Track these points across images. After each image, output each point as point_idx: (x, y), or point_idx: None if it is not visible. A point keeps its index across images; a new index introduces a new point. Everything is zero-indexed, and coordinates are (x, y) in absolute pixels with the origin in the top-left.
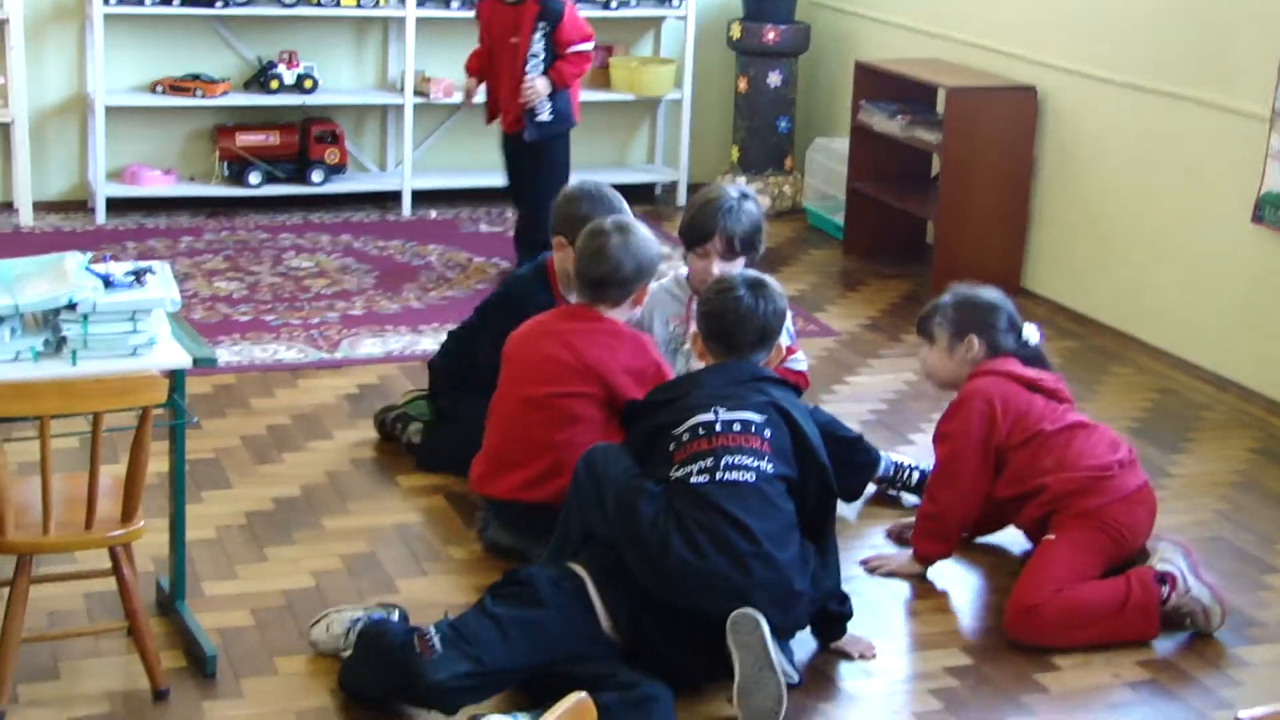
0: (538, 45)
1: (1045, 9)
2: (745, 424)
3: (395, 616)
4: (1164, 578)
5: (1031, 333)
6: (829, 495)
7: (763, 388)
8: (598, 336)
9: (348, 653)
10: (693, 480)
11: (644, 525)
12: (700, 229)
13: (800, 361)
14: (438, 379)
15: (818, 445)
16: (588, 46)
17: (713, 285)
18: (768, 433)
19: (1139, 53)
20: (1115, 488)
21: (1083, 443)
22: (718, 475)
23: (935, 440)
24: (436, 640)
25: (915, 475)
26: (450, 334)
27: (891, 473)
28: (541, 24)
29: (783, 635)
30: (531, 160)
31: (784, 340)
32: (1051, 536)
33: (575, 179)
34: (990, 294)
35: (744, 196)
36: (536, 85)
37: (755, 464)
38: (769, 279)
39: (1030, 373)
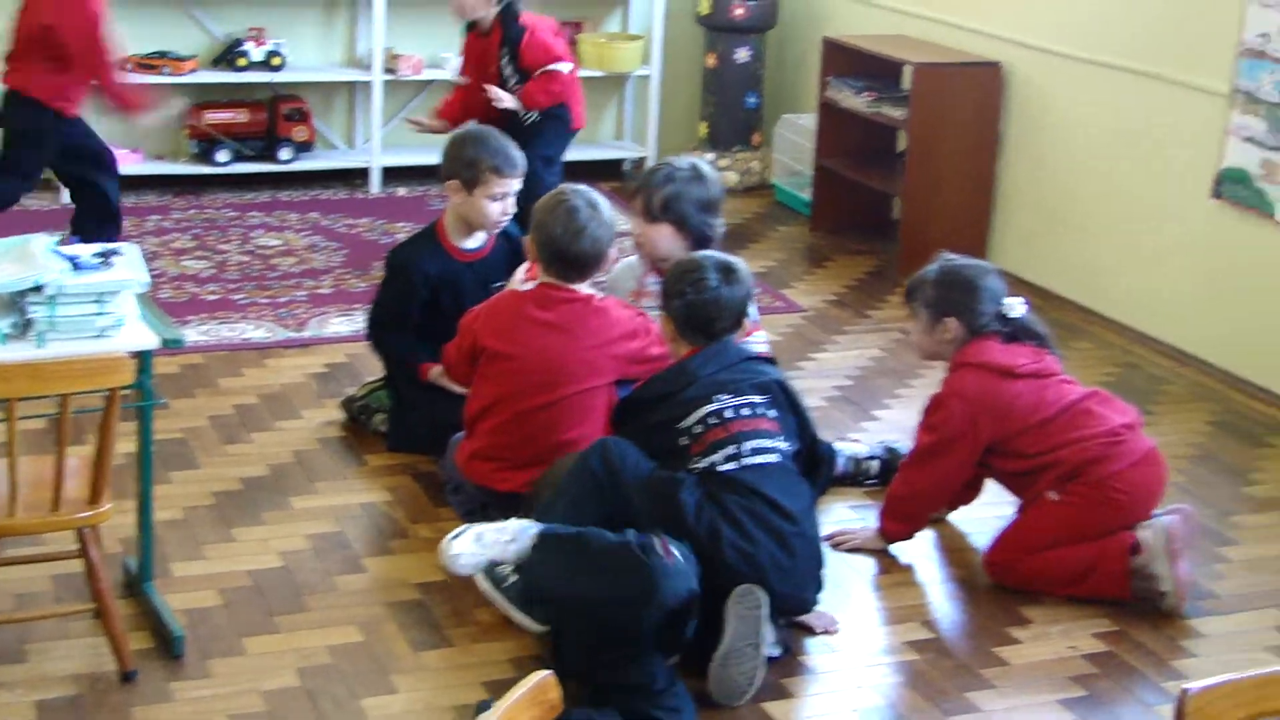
0: (507, 70)
1: None
2: (752, 406)
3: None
4: (1138, 546)
5: (1014, 306)
6: (823, 462)
7: (754, 368)
8: (589, 320)
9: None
10: (721, 468)
11: (689, 516)
12: (633, 189)
13: (762, 343)
14: (389, 370)
15: (809, 416)
16: (559, 67)
17: (683, 276)
18: (773, 412)
19: (1102, 30)
20: (1126, 452)
21: (1087, 415)
22: (744, 460)
23: (920, 428)
24: (673, 544)
25: (875, 466)
26: (371, 323)
27: (853, 469)
28: (505, 49)
29: (799, 613)
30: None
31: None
32: (1054, 497)
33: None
34: (972, 272)
35: (695, 170)
36: (500, 94)
37: (774, 445)
38: (736, 261)
39: (1007, 358)
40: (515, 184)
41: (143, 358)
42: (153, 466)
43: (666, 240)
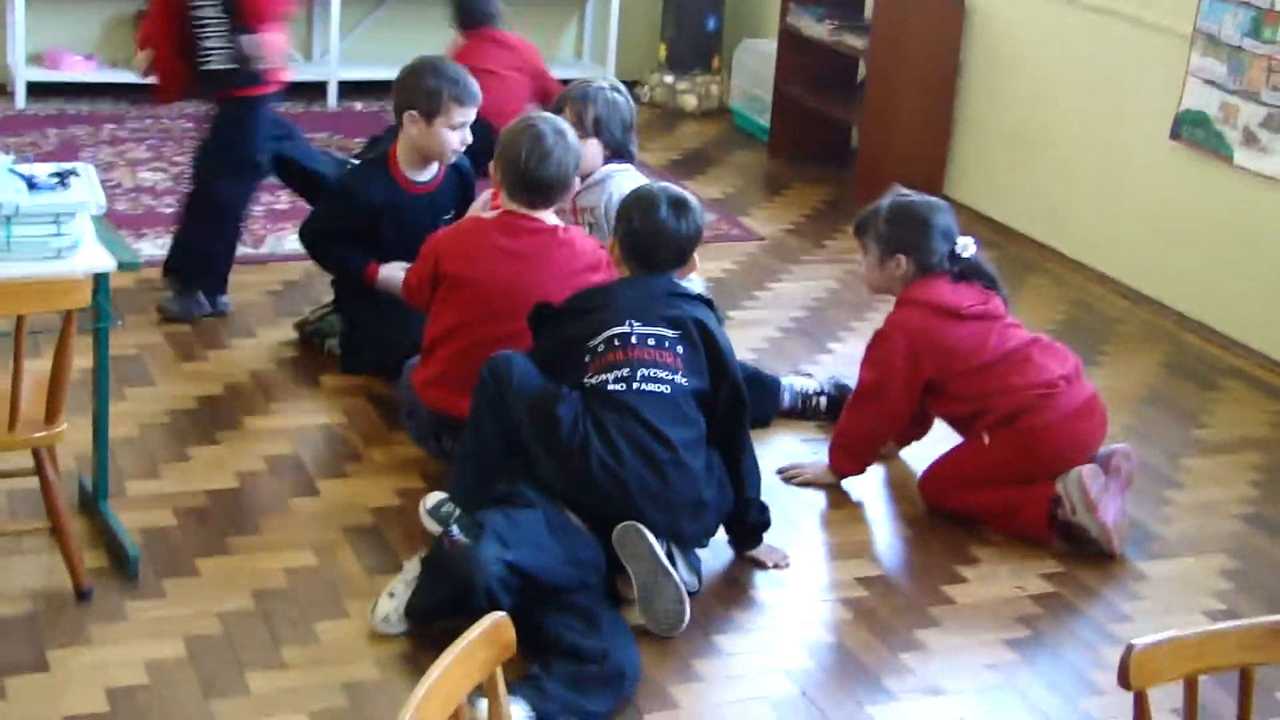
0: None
1: None
2: (659, 339)
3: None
4: (1058, 499)
5: (966, 246)
6: (741, 406)
7: (675, 303)
8: (553, 251)
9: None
10: (610, 388)
11: (564, 429)
12: (557, 105)
13: (695, 285)
14: (337, 292)
15: (730, 356)
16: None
17: (636, 204)
18: (680, 349)
19: None
20: (1061, 404)
21: (1025, 363)
22: (634, 385)
23: (863, 364)
24: (456, 530)
25: (823, 401)
26: (308, 231)
27: (800, 405)
28: None
29: (691, 544)
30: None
31: None
32: (986, 439)
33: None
34: (925, 209)
35: (615, 90)
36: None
37: (670, 377)
38: (690, 198)
39: (954, 299)
40: (473, 113)
41: (99, 279)
42: (109, 387)
43: (594, 154)
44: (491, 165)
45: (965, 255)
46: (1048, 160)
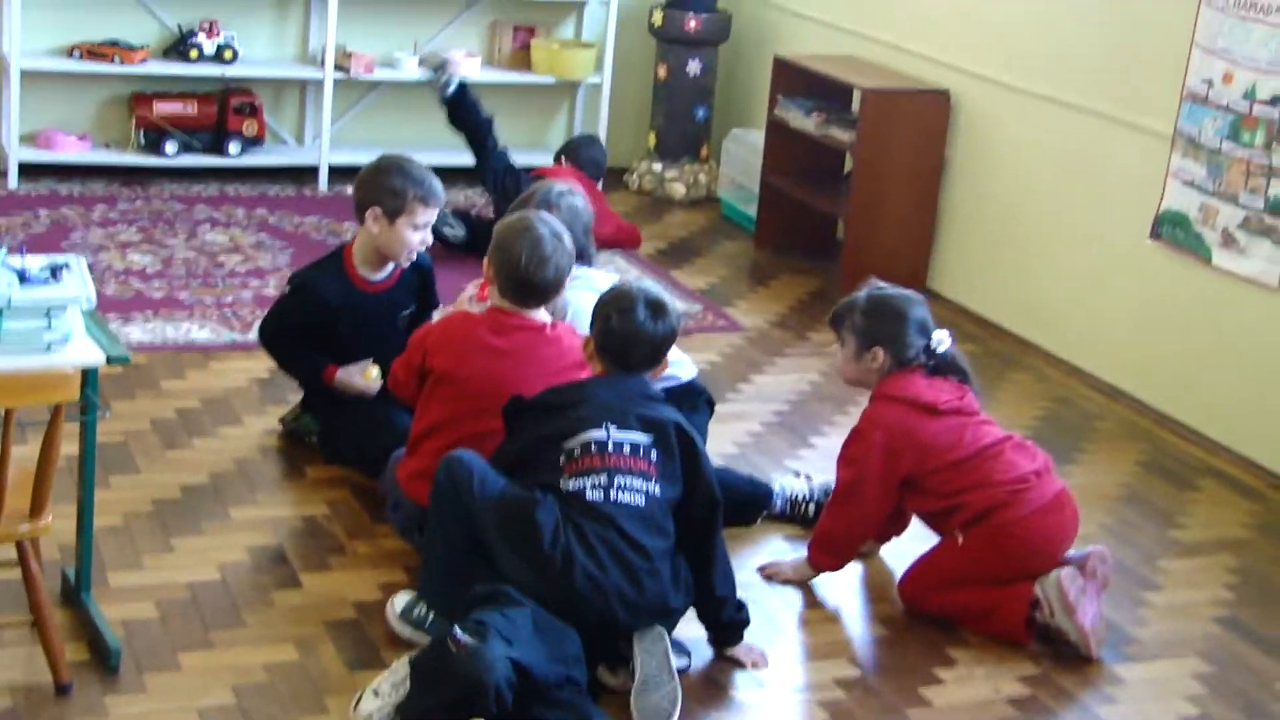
0: None
1: (962, 15)
2: (634, 446)
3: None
4: (1036, 602)
5: (942, 339)
6: (714, 507)
7: (651, 406)
8: (541, 349)
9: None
10: (589, 496)
11: (545, 537)
12: (521, 204)
13: (686, 367)
14: (305, 393)
15: (704, 459)
16: None
17: (613, 303)
18: (654, 454)
19: (1051, 65)
20: (1032, 499)
21: (998, 459)
22: (612, 494)
23: (839, 462)
24: (460, 631)
25: (812, 509)
26: (265, 330)
27: (789, 510)
28: None
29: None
30: None
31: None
32: (960, 539)
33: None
34: (902, 302)
35: (573, 193)
36: None
37: (645, 487)
38: (667, 299)
39: (930, 394)
40: (435, 214)
41: (88, 372)
42: (95, 477)
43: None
44: (486, 260)
45: (940, 349)
46: (1030, 256)
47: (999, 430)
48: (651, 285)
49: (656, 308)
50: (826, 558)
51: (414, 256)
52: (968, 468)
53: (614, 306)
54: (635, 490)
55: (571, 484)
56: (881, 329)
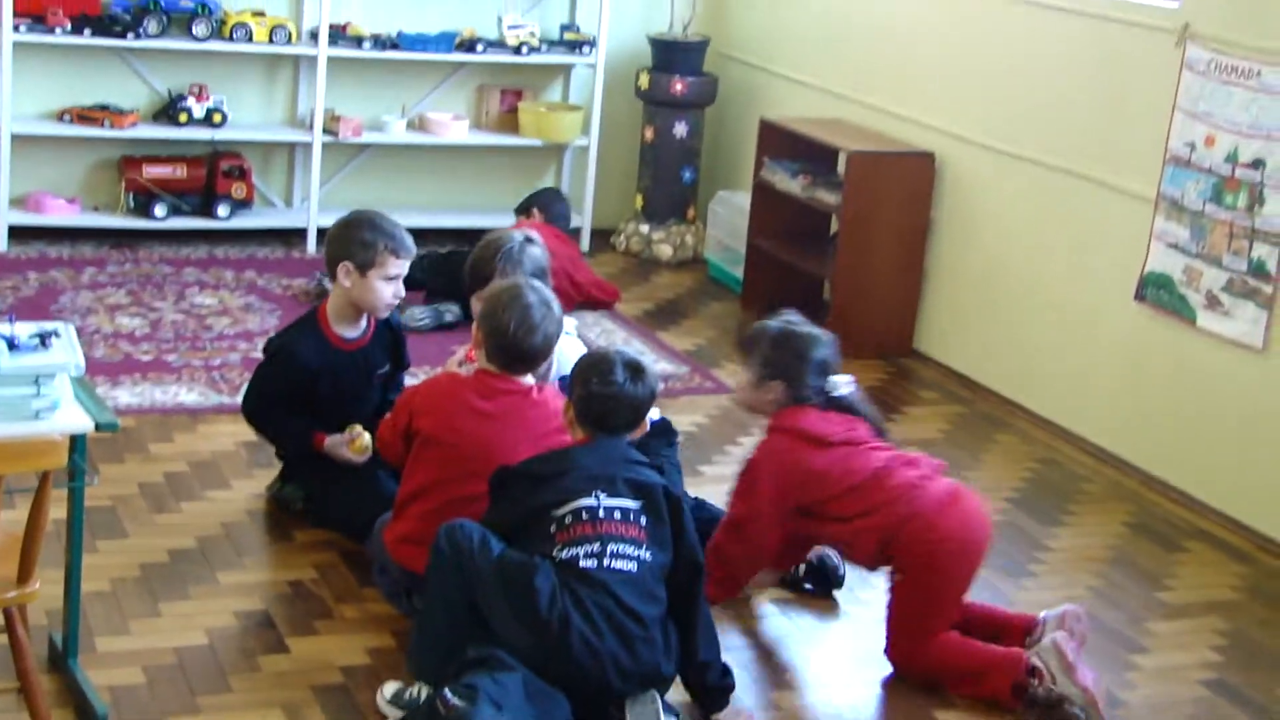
0: None
1: (946, 79)
2: (625, 512)
3: None
4: (1034, 670)
5: (842, 385)
6: (697, 570)
7: (637, 470)
8: (527, 412)
9: None
10: (582, 564)
11: (543, 603)
12: (481, 272)
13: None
14: (285, 463)
15: (689, 523)
16: None
17: (592, 367)
18: (644, 520)
19: (1035, 128)
20: (927, 500)
21: (891, 475)
22: (605, 561)
23: (732, 494)
24: (449, 693)
25: (802, 569)
26: (248, 402)
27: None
28: None
29: None
30: None
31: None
32: (900, 576)
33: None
34: (807, 341)
35: (528, 241)
36: None
37: (637, 553)
38: (644, 362)
39: (821, 427)
40: (407, 266)
41: (76, 439)
42: (82, 543)
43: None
44: (475, 326)
45: (837, 394)
46: (1016, 317)
47: (888, 451)
48: (626, 350)
49: (635, 370)
50: (717, 588)
51: (388, 310)
52: (863, 490)
53: (593, 372)
54: (628, 557)
55: (565, 553)
56: (782, 364)
